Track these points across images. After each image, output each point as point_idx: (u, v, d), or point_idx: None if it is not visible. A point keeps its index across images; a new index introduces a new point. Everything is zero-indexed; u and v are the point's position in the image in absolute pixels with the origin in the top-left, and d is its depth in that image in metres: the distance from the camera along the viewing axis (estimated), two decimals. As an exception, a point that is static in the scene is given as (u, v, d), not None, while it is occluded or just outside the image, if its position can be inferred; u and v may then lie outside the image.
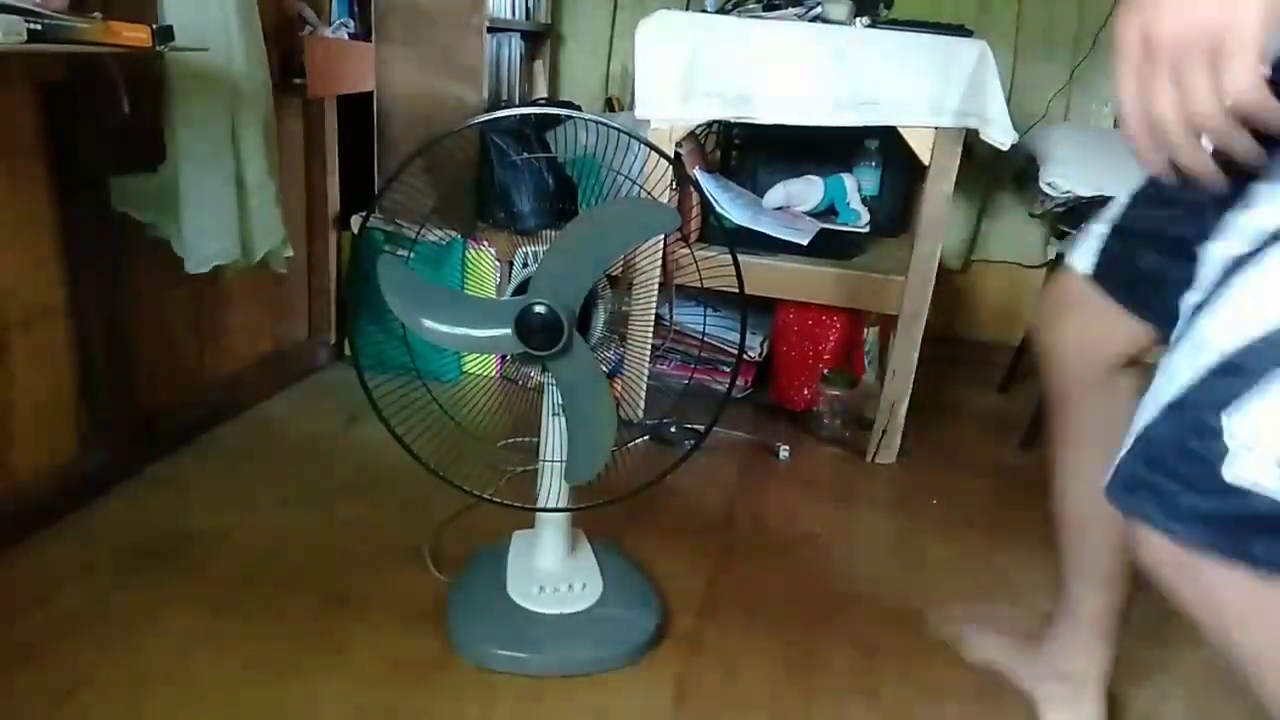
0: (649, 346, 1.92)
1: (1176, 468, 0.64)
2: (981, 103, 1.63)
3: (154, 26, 1.17)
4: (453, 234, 2.01)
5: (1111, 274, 0.93)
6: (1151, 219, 0.89)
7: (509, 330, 1.05)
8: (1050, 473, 1.04)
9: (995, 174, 2.50)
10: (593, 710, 1.10)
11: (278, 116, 1.59)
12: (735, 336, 2.11)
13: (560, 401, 1.13)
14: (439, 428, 1.25)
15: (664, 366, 2.10)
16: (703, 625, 1.26)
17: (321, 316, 2.10)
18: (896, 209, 2.21)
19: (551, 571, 1.25)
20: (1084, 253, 0.95)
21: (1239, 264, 0.63)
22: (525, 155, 1.96)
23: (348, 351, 2.12)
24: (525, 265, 1.13)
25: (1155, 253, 0.87)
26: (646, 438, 1.82)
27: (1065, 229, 2.05)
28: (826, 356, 2.01)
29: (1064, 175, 1.98)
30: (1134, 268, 0.90)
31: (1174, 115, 0.56)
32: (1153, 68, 0.56)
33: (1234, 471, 0.60)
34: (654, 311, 1.91)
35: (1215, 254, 0.66)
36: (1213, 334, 0.63)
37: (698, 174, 2.01)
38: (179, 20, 1.31)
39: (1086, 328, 0.96)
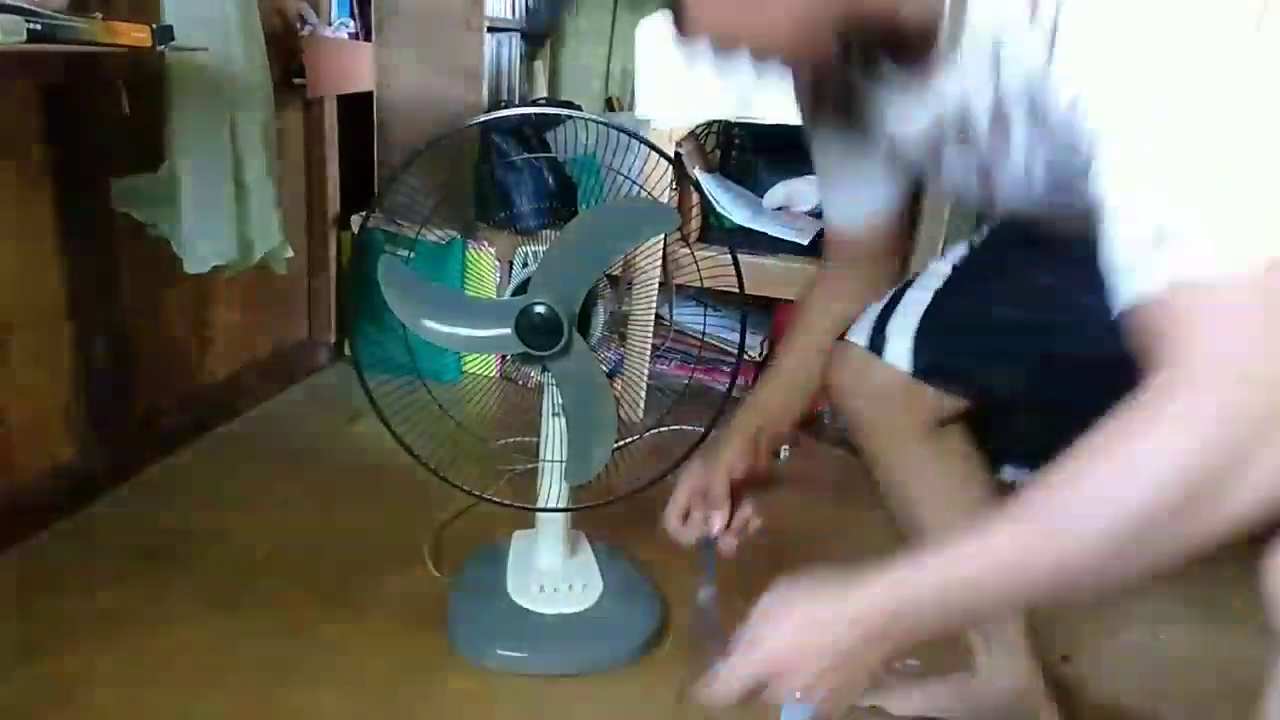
0: (649, 346, 1.92)
1: None
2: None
3: (154, 26, 1.17)
4: (453, 234, 2.01)
5: (935, 370, 0.91)
6: (975, 306, 0.90)
7: (509, 330, 1.05)
8: (911, 533, 0.99)
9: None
10: (593, 710, 1.10)
11: (278, 116, 1.59)
12: (735, 336, 2.11)
13: (560, 401, 1.13)
14: (439, 428, 1.25)
15: (664, 366, 2.10)
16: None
17: (321, 317, 2.10)
18: (896, 209, 2.21)
19: (552, 571, 1.25)
20: (900, 350, 0.92)
21: None
22: (525, 155, 1.96)
23: (348, 352, 2.12)
24: (525, 265, 1.13)
25: (979, 335, 0.89)
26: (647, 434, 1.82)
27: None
28: (826, 356, 2.01)
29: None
30: (957, 362, 0.91)
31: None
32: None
33: None
34: (654, 311, 1.91)
35: None
36: None
37: (698, 174, 2.01)
38: (179, 20, 1.31)
39: (910, 408, 0.94)
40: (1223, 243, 0.49)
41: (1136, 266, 0.51)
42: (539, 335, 1.05)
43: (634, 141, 1.20)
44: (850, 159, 0.89)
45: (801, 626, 0.63)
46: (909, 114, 0.72)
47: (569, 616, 1.20)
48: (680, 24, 0.68)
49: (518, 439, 1.67)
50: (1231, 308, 0.48)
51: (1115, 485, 0.50)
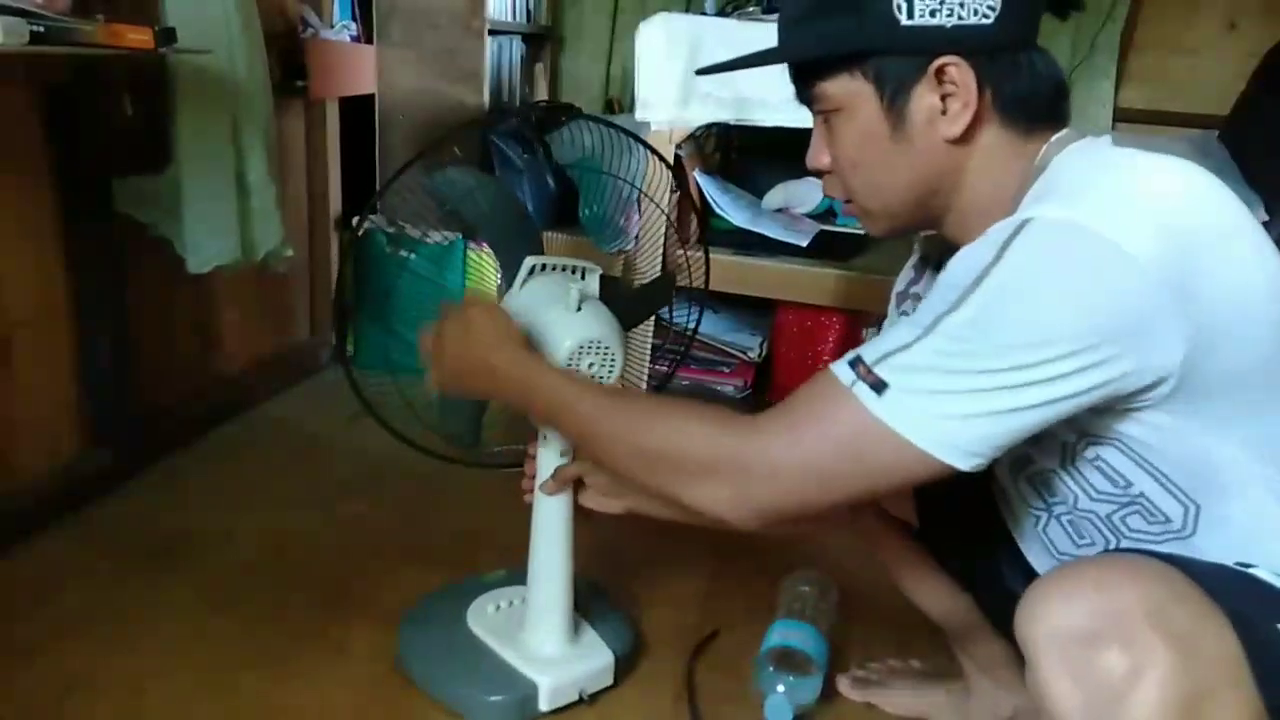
0: (649, 347, 1.92)
1: None
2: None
3: (156, 29, 1.17)
4: (454, 235, 2.01)
5: None
6: None
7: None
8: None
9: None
10: (597, 708, 1.10)
11: (280, 118, 1.60)
12: (734, 337, 2.12)
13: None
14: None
15: (664, 367, 2.10)
16: (703, 624, 1.27)
17: (323, 317, 2.11)
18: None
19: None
20: None
21: None
22: (526, 157, 1.97)
23: (350, 351, 2.12)
24: (532, 272, 1.06)
25: None
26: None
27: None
28: (826, 357, 2.01)
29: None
30: None
31: None
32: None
33: None
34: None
35: None
36: None
37: (698, 176, 2.02)
38: (181, 22, 1.32)
39: None
40: (896, 408, 0.66)
41: (863, 354, 0.69)
42: None
43: (634, 145, 1.20)
44: None
45: (461, 344, 0.90)
46: None
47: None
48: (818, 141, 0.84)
49: (514, 446, 1.68)
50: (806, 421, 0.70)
51: (650, 442, 0.76)
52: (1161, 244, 0.64)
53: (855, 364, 0.68)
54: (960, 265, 0.68)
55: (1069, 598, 0.64)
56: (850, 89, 0.76)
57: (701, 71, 0.90)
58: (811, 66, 0.79)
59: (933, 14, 0.71)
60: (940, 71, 0.72)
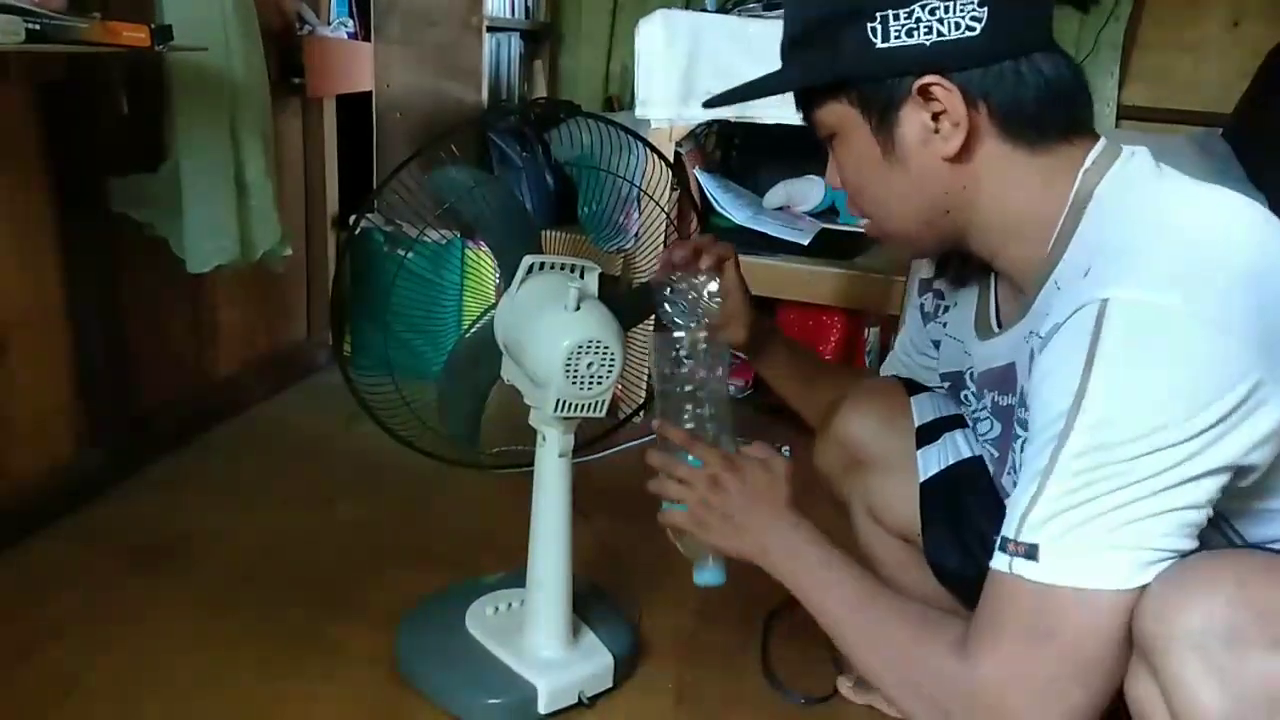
0: (650, 347, 1.92)
1: None
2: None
3: (153, 26, 1.17)
4: (452, 234, 2.00)
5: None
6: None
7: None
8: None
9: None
10: (597, 710, 1.09)
11: (276, 116, 1.59)
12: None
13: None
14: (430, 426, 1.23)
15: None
16: (703, 625, 1.26)
17: (320, 317, 2.10)
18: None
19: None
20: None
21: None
22: (525, 155, 1.96)
23: (347, 350, 2.12)
24: (530, 271, 1.09)
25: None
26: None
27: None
28: (827, 357, 2.00)
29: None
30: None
31: None
32: None
33: None
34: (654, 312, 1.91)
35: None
36: None
37: (698, 174, 2.01)
38: (177, 20, 1.31)
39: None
40: (1054, 562, 0.63)
41: (1006, 532, 0.66)
42: None
43: (634, 142, 1.20)
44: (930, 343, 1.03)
45: (743, 513, 0.92)
46: (994, 352, 0.82)
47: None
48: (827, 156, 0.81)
49: (514, 447, 1.67)
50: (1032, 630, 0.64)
51: (892, 664, 0.74)
52: (1239, 301, 0.61)
53: (1004, 545, 0.65)
54: (1051, 374, 0.65)
55: (1208, 593, 0.59)
56: (840, 115, 0.76)
57: (708, 104, 0.88)
58: (805, 95, 0.78)
59: (909, 34, 0.69)
60: (924, 91, 0.70)
